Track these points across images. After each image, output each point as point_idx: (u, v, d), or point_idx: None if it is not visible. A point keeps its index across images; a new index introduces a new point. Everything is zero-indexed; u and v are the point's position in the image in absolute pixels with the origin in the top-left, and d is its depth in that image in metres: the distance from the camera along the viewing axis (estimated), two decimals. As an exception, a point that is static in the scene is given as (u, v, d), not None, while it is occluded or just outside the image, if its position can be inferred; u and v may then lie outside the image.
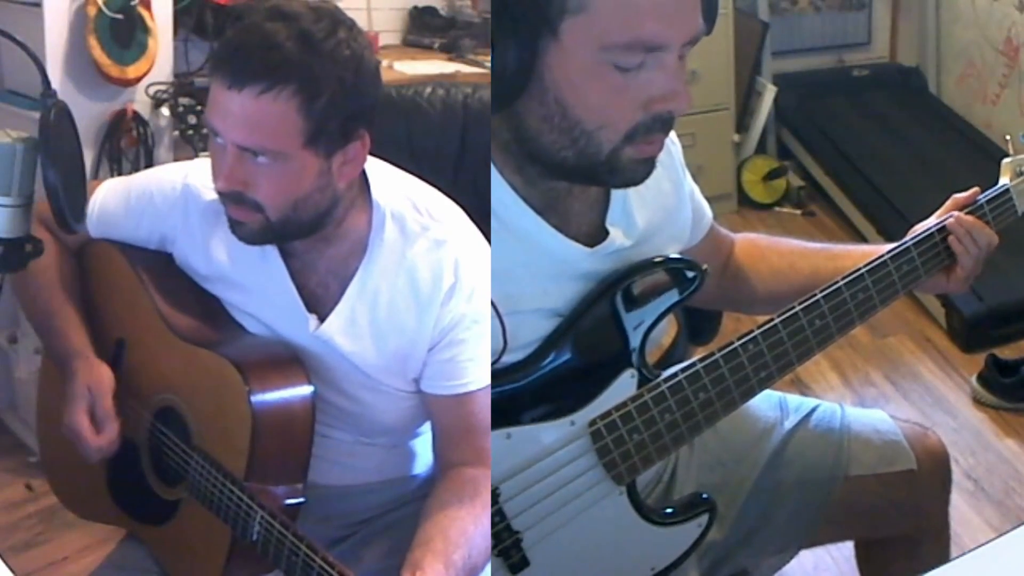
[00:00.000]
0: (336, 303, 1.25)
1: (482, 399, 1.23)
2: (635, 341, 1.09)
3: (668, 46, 0.95)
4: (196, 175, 1.30)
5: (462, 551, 1.14)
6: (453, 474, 1.24)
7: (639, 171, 1.03)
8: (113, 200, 1.35)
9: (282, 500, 1.19)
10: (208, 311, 1.31)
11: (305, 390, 1.23)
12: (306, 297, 1.26)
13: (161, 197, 1.32)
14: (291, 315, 1.26)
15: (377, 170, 1.28)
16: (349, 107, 1.15)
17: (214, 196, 1.23)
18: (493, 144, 1.05)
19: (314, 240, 1.24)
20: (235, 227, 1.20)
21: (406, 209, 1.25)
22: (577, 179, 1.06)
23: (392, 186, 1.27)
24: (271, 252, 1.25)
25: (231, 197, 1.17)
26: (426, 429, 1.37)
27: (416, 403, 1.29)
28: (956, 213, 1.26)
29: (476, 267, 1.25)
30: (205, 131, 2.28)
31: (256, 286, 1.28)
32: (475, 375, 1.24)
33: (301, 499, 1.22)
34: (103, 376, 1.29)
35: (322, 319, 1.25)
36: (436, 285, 1.23)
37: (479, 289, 1.24)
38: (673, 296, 1.10)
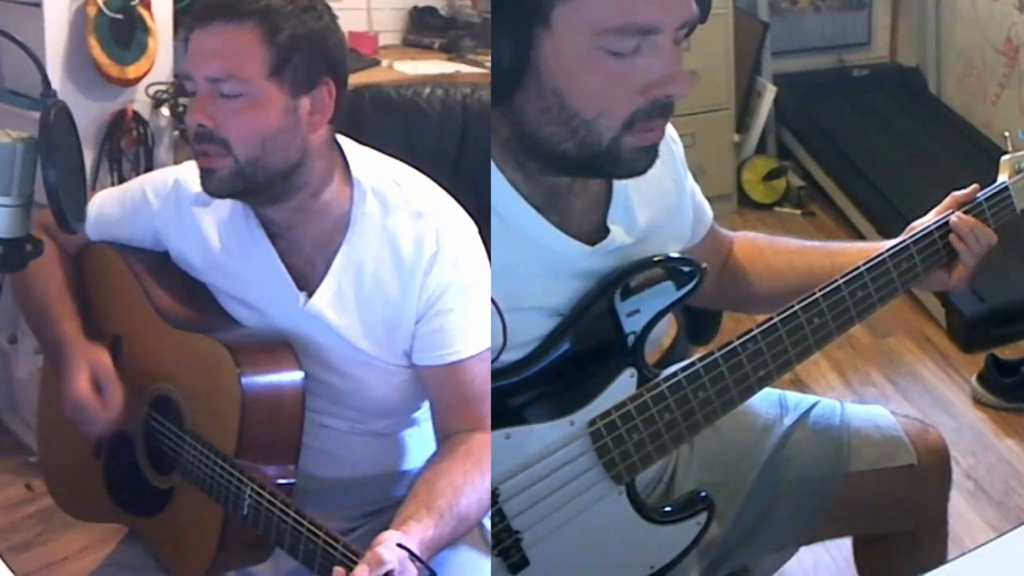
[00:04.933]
0: (323, 279, 1.28)
1: (475, 366, 1.25)
2: (634, 340, 1.09)
3: (661, 28, 0.96)
4: (186, 172, 1.35)
5: (447, 499, 1.17)
6: (449, 440, 1.27)
7: (641, 160, 1.03)
8: (109, 204, 1.41)
9: (273, 480, 1.21)
10: (202, 302, 1.35)
11: (295, 375, 1.25)
12: (295, 277, 1.29)
13: (154, 193, 1.38)
14: (281, 294, 1.29)
15: (358, 151, 1.31)
16: (312, 48, 1.21)
17: None
18: (493, 142, 1.05)
19: (293, 211, 1.27)
20: (206, 179, 1.23)
21: (386, 185, 1.29)
22: (579, 172, 1.06)
23: (373, 165, 1.31)
24: (259, 234, 1.29)
25: (200, 136, 1.21)
26: (423, 417, 1.38)
27: (409, 379, 1.31)
28: (959, 213, 1.26)
29: (459, 236, 1.27)
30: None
31: (247, 270, 1.31)
32: (465, 343, 1.26)
33: (292, 480, 1.24)
34: (100, 352, 1.33)
35: (310, 296, 1.28)
36: (418, 254, 1.25)
37: (464, 257, 1.26)
38: (672, 295, 1.10)
